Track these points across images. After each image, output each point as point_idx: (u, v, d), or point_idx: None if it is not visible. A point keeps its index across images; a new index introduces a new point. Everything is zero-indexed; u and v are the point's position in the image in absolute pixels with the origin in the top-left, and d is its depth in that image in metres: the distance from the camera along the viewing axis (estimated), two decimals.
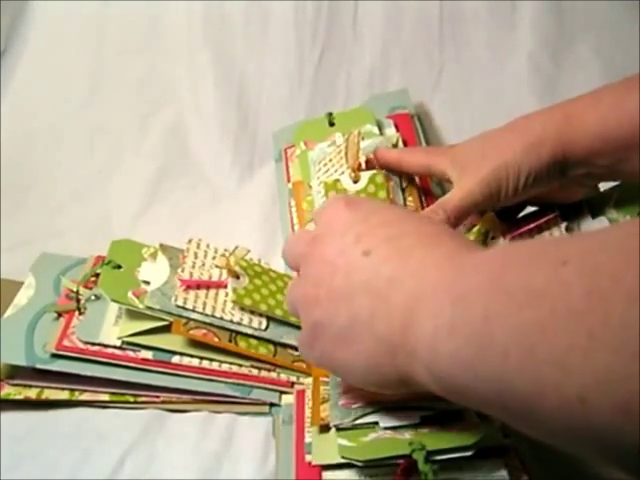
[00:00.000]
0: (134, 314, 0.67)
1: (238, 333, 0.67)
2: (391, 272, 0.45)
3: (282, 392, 0.67)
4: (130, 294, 0.67)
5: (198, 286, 0.69)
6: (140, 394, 0.67)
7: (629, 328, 0.30)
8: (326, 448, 0.56)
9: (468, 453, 0.50)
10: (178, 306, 0.66)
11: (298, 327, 0.68)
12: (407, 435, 0.53)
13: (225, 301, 0.68)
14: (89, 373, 0.65)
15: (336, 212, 0.50)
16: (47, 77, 0.96)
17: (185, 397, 0.66)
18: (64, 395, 0.66)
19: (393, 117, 0.85)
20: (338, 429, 0.55)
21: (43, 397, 0.66)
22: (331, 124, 0.85)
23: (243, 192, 0.92)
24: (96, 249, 0.77)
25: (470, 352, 0.38)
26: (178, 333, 0.65)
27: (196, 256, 0.71)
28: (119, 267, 0.71)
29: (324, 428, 0.57)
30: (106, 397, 0.66)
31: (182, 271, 0.69)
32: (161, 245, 0.72)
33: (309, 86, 0.95)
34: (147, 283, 0.69)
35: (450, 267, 0.43)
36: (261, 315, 0.68)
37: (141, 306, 0.66)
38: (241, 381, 0.66)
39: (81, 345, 0.66)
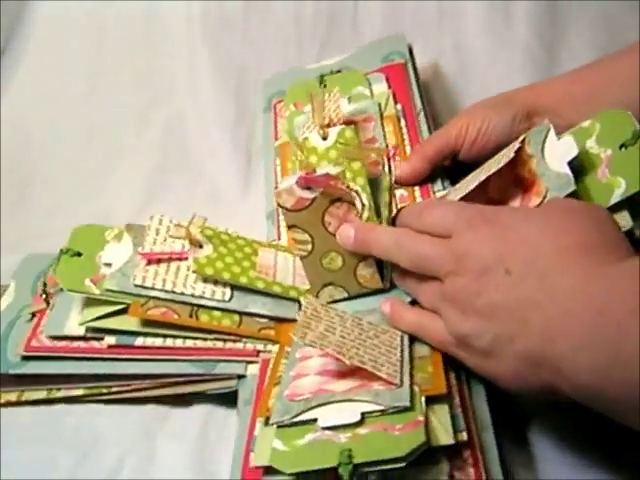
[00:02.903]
0: (95, 301, 0.63)
1: (200, 307, 0.62)
2: (529, 293, 0.47)
3: (248, 362, 0.61)
4: (87, 281, 0.63)
5: (159, 260, 0.64)
6: (112, 385, 0.63)
7: None
8: (268, 447, 0.49)
9: (400, 465, 0.44)
10: (137, 285, 0.62)
11: (265, 294, 0.63)
12: (343, 438, 0.47)
13: (187, 275, 0.63)
14: (57, 371, 0.62)
15: (478, 233, 0.51)
16: (47, 76, 0.96)
17: (153, 382, 0.62)
18: (42, 394, 0.64)
19: (385, 69, 0.78)
20: (278, 426, 0.50)
21: (23, 399, 0.64)
22: (323, 86, 0.78)
23: (242, 187, 0.88)
24: None
25: (605, 358, 0.42)
26: (135, 315, 0.61)
27: (158, 232, 0.66)
28: (79, 254, 0.66)
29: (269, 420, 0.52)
30: (81, 392, 0.63)
31: (142, 249, 0.64)
32: (127, 225, 0.67)
33: None
34: (109, 265, 0.64)
35: (586, 285, 0.45)
36: (225, 285, 0.63)
37: (97, 292, 0.62)
38: (205, 357, 0.61)
39: (48, 343, 0.63)
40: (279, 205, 0.59)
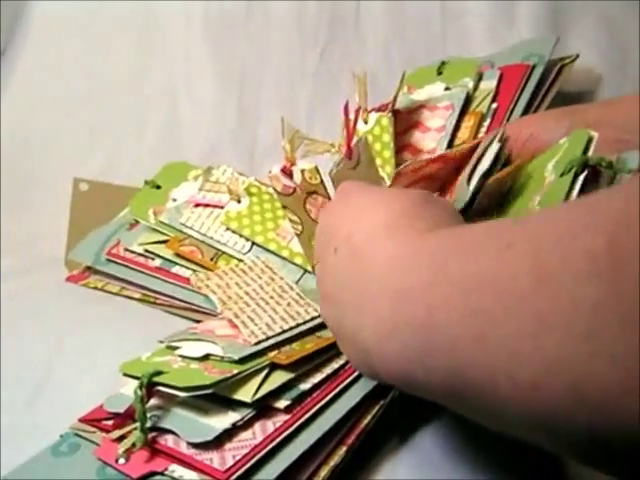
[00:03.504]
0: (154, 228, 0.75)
1: (224, 253, 0.70)
2: (345, 272, 0.46)
3: None
4: (150, 211, 0.75)
5: (207, 205, 0.73)
6: (156, 297, 0.73)
7: (578, 310, 0.29)
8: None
9: (179, 394, 0.49)
10: (181, 223, 0.72)
11: (276, 254, 0.69)
12: (176, 365, 0.53)
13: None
14: (123, 276, 0.75)
15: (328, 212, 0.54)
16: (47, 76, 0.97)
17: (178, 303, 0.71)
18: (116, 289, 0.76)
19: (506, 68, 0.77)
20: (168, 347, 0.57)
21: (105, 288, 0.77)
22: (439, 73, 0.80)
23: None
24: None
25: (417, 347, 0.38)
26: (171, 248, 0.71)
27: (217, 180, 0.75)
28: (159, 187, 0.78)
29: None
30: (138, 295, 0.74)
31: (199, 191, 0.74)
32: (208, 167, 0.77)
33: (311, 83, 0.91)
34: (175, 201, 0.75)
35: (394, 262, 0.42)
36: (248, 239, 0.70)
37: (153, 222, 0.74)
38: None
39: (122, 254, 0.75)
40: (272, 187, 0.64)
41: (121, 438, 0.49)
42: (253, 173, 0.84)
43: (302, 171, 0.62)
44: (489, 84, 0.76)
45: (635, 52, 0.81)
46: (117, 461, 0.48)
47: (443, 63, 0.80)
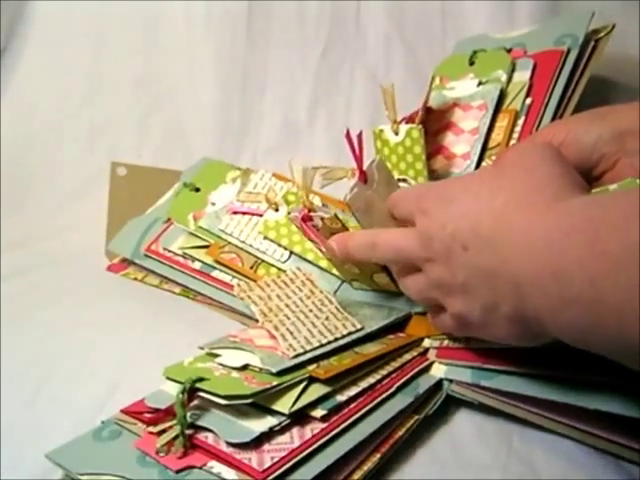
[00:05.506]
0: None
1: (263, 261, 0.75)
2: (486, 262, 0.51)
3: None
4: (190, 216, 0.80)
5: (244, 213, 0.78)
6: (195, 294, 0.79)
7: None
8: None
9: (220, 401, 0.54)
10: (220, 230, 0.78)
11: (314, 264, 0.74)
12: (217, 372, 0.58)
13: None
14: (161, 272, 0.81)
15: (431, 216, 0.56)
16: (47, 76, 1.01)
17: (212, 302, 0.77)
18: (156, 282, 0.82)
19: (539, 56, 0.78)
20: (208, 353, 0.62)
21: (144, 280, 0.83)
22: (471, 63, 0.81)
23: None
24: (97, 249, 0.88)
25: (587, 318, 0.44)
26: (212, 255, 0.77)
27: (255, 186, 0.80)
28: (198, 190, 0.83)
29: None
30: (177, 290, 0.80)
31: (238, 197, 0.80)
32: (246, 169, 0.82)
33: (312, 82, 0.97)
34: (214, 205, 0.81)
35: (542, 243, 0.47)
36: (286, 247, 0.75)
37: (192, 228, 0.79)
38: None
39: (161, 251, 0.81)
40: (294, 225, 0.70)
41: (161, 432, 0.55)
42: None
43: (322, 219, 0.66)
44: (522, 75, 0.77)
45: (635, 53, 0.84)
46: (157, 453, 0.53)
47: (475, 52, 0.82)
